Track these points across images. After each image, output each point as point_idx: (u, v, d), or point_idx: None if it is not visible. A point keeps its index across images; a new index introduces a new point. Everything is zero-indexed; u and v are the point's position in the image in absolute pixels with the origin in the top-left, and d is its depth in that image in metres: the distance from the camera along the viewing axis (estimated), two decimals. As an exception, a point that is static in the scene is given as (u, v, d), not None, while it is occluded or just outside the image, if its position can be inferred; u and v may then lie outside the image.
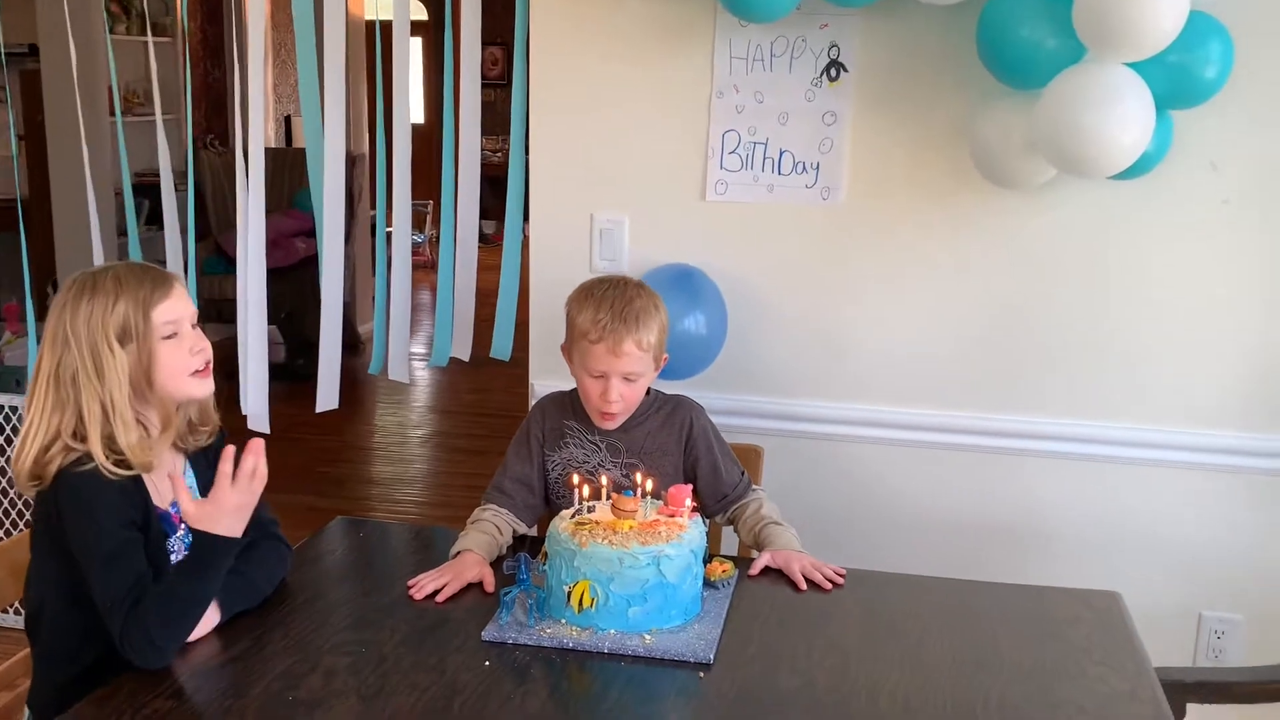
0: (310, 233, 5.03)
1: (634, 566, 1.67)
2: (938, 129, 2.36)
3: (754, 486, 2.14)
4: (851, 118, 2.40)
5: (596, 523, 1.72)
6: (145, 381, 1.62)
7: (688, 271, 2.45)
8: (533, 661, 1.63)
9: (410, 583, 1.83)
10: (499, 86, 6.72)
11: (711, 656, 1.63)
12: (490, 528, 1.99)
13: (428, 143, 9.76)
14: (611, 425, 2.05)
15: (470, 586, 1.84)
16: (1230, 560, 2.41)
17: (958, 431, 2.48)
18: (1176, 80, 1.99)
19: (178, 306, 1.65)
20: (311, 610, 1.76)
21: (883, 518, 2.53)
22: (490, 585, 1.84)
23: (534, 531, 2.13)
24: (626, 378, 1.99)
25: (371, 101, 6.67)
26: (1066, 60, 2.01)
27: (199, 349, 1.67)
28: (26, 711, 1.69)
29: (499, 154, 9.71)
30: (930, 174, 2.39)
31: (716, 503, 2.10)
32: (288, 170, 6.22)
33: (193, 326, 1.68)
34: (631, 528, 1.71)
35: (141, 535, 1.60)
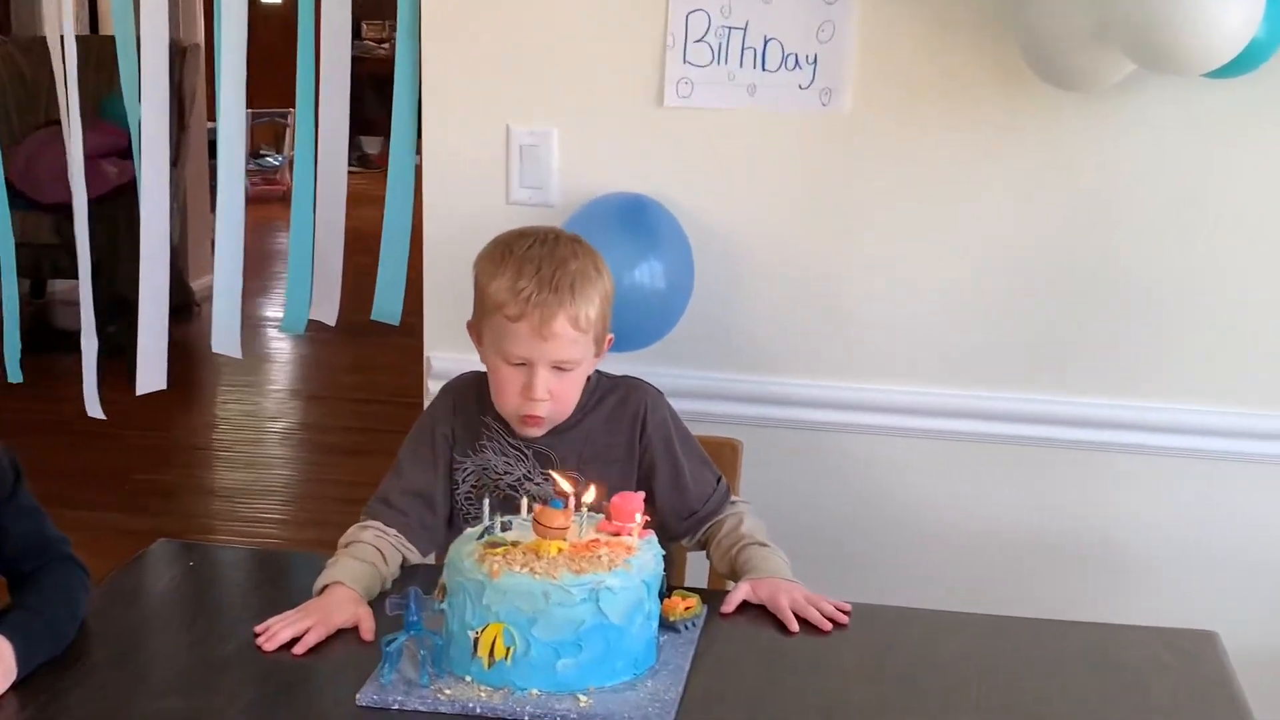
0: (124, 152, 4.96)
1: (564, 604, 1.66)
2: (975, 13, 2.39)
3: (734, 498, 2.15)
4: None
5: (513, 545, 1.71)
6: None
7: (640, 204, 2.46)
8: None
9: (259, 629, 1.82)
10: (383, -47, 6.67)
11: None
12: (370, 553, 1.98)
13: (288, 29, 9.68)
14: (536, 432, 2.06)
15: (341, 633, 1.83)
16: None
17: (995, 419, 2.53)
18: None
19: None
20: (123, 668, 1.74)
21: (897, 533, 2.58)
22: (368, 631, 1.83)
23: (431, 560, 2.14)
24: (558, 367, 1.99)
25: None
26: None
27: None
28: None
29: (386, 45, 9.63)
30: (965, 71, 2.42)
31: (683, 520, 2.12)
32: (92, 67, 6.13)
33: None
34: (561, 551, 1.70)
35: None
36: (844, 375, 2.55)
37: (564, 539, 1.72)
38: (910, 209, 2.49)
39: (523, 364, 1.99)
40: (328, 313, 2.82)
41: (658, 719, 1.64)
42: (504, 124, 2.56)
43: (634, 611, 1.71)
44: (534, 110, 2.55)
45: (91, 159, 5.85)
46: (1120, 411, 2.48)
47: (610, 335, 2.09)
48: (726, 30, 2.46)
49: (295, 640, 1.79)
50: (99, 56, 5.91)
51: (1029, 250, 2.48)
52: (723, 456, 2.29)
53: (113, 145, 5.77)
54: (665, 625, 1.81)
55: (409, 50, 2.67)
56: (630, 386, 2.15)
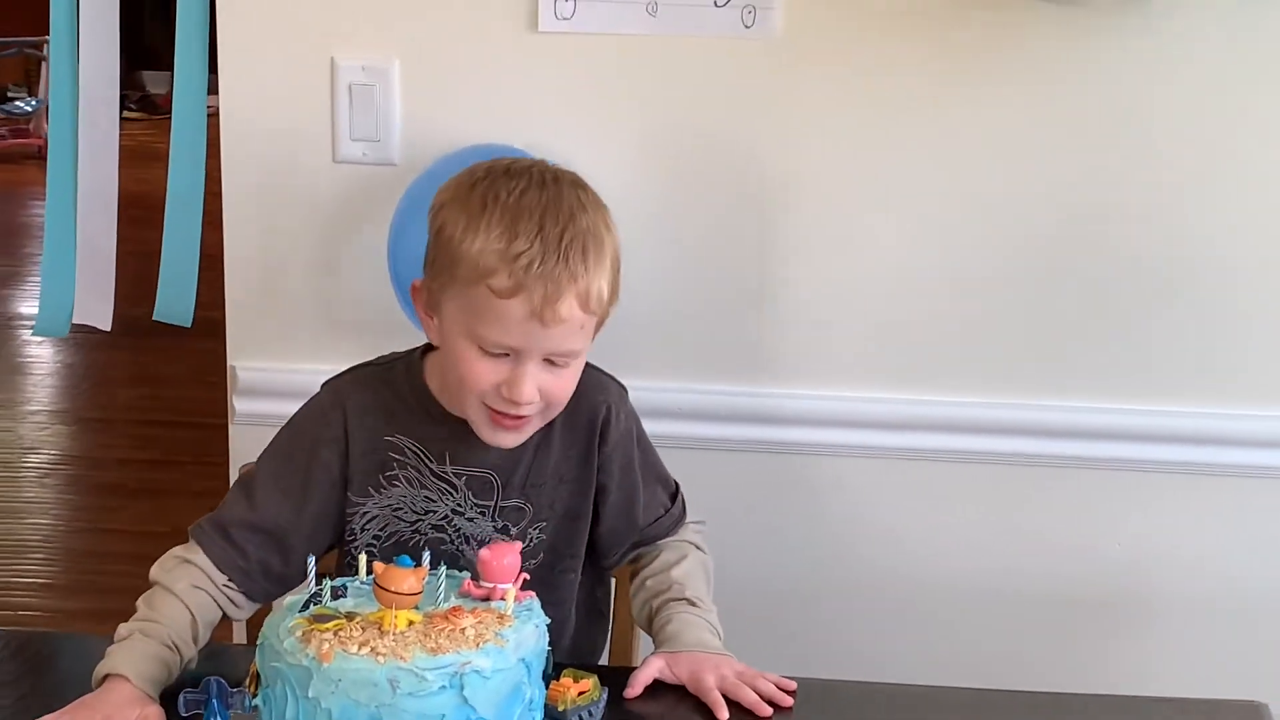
0: None
1: (418, 693, 1.65)
2: None
3: (690, 522, 2.22)
4: None
5: (348, 618, 1.72)
6: None
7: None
8: None
9: None
10: None
11: None
12: (173, 623, 1.97)
13: None
14: (514, 440, 2.04)
15: None
16: None
17: (975, 431, 2.62)
18: None
19: None
20: None
21: (857, 580, 2.64)
22: None
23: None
24: (552, 360, 1.97)
25: None
26: None
27: None
28: None
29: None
30: None
31: (621, 547, 2.18)
32: None
33: None
34: (412, 624, 1.71)
35: None
36: (776, 379, 2.64)
37: (415, 608, 1.72)
38: (855, 157, 2.57)
39: (507, 355, 1.95)
40: (99, 313, 2.84)
41: None
42: (328, 56, 2.59)
43: (510, 701, 1.72)
44: (368, 38, 2.59)
45: None
46: (1129, 418, 2.59)
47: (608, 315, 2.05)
48: None
49: None
50: None
51: (1007, 215, 2.57)
52: None
53: None
54: (553, 717, 1.82)
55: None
56: (589, 382, 2.12)
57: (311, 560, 1.85)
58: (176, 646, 1.94)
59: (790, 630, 2.38)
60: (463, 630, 1.70)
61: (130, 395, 5.68)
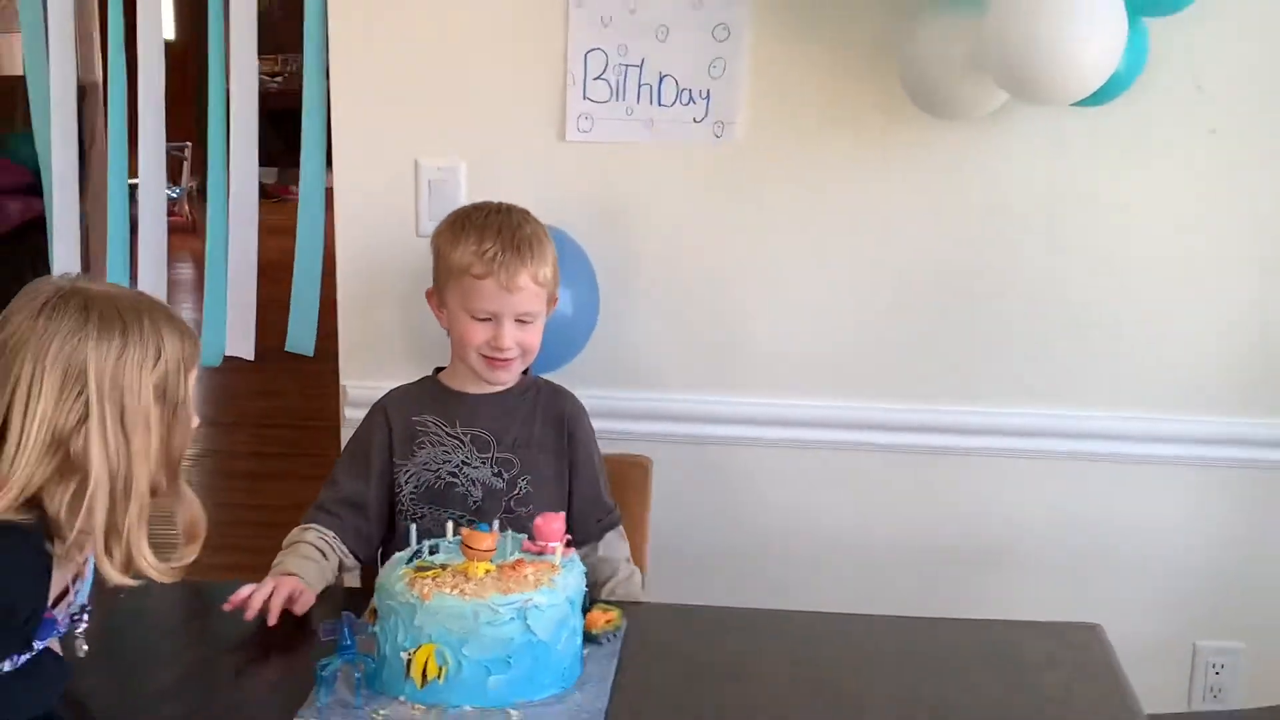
0: (28, 189, 4.90)
1: (494, 623, 1.67)
2: (859, 47, 2.45)
3: (619, 526, 2.22)
4: (750, 32, 2.47)
5: (442, 568, 1.73)
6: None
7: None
8: None
9: (231, 600, 1.91)
10: (278, -11, 6.61)
11: None
12: (313, 551, 2.06)
13: (180, 66, 9.47)
14: (506, 378, 2.19)
15: (275, 657, 1.86)
16: (1228, 573, 2.59)
17: (893, 429, 2.59)
18: None
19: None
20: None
21: (805, 542, 2.63)
22: (304, 605, 1.94)
23: (358, 584, 2.22)
24: (520, 319, 2.12)
25: (103, 12, 6.48)
26: None
27: None
28: None
29: (280, 78, 9.53)
30: (850, 104, 2.49)
31: (583, 530, 2.16)
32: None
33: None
34: (489, 572, 1.72)
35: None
36: (745, 391, 2.60)
37: (490, 561, 1.74)
38: (802, 232, 2.55)
39: (489, 319, 2.11)
40: (245, 348, 2.83)
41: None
42: (413, 159, 2.58)
43: (560, 628, 1.73)
44: (442, 145, 2.57)
45: (-2, 197, 5.86)
46: (1008, 418, 2.56)
47: (556, 296, 2.21)
48: (624, 68, 2.50)
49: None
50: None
51: (920, 268, 2.54)
52: (633, 475, 2.35)
53: (15, 182, 5.69)
54: (588, 638, 1.83)
55: (317, 85, 2.67)
56: (559, 390, 2.25)
57: (413, 527, 1.87)
58: (321, 561, 2.07)
59: (753, 576, 2.38)
60: (525, 576, 1.73)
61: (262, 406, 5.60)
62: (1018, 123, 2.43)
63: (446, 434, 2.17)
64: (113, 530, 1.56)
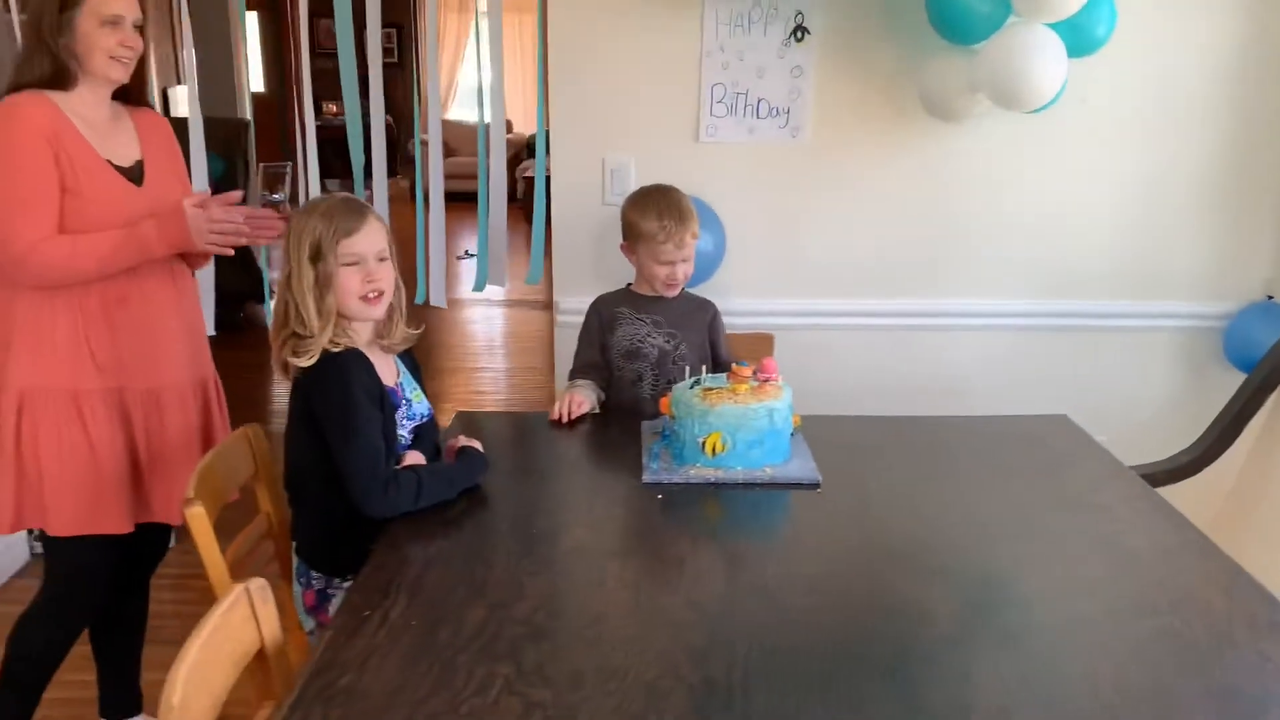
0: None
1: (753, 418, 1.88)
2: (885, 78, 2.62)
3: None
4: (815, 71, 2.61)
5: (722, 389, 1.92)
6: (323, 296, 1.71)
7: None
8: (689, 494, 1.81)
9: (552, 416, 2.08)
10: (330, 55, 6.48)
11: (820, 478, 1.88)
12: (586, 385, 2.22)
13: (270, 109, 9.31)
14: (675, 291, 2.26)
15: (610, 463, 1.99)
16: (1098, 388, 2.82)
17: (893, 316, 2.75)
18: (1079, 36, 2.34)
19: (362, 242, 1.72)
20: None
21: (846, 380, 2.76)
22: (587, 406, 2.11)
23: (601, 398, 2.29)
24: (685, 259, 2.23)
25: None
26: (997, 21, 2.33)
27: (371, 279, 1.74)
28: (295, 559, 1.81)
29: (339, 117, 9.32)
30: (880, 113, 2.64)
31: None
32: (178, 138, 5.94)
33: (380, 261, 1.74)
34: (748, 389, 1.92)
35: (379, 412, 1.70)
36: (808, 294, 2.73)
37: (747, 383, 1.94)
38: (847, 196, 2.67)
39: (669, 262, 2.21)
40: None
41: (813, 475, 1.89)
42: (600, 156, 2.65)
43: (786, 422, 1.93)
44: (619, 147, 2.64)
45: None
46: (962, 304, 2.72)
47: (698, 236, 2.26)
48: (735, 95, 2.62)
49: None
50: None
51: (913, 214, 2.70)
52: (762, 342, 2.53)
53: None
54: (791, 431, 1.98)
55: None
56: (704, 300, 2.35)
57: (687, 368, 2.02)
58: (594, 390, 2.22)
59: (843, 406, 2.34)
60: (768, 391, 1.90)
61: (503, 327, 5.39)
62: (992, 123, 2.59)
63: (636, 319, 2.24)
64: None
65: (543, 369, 4.09)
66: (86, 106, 1.85)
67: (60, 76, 1.82)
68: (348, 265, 1.70)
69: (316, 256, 1.68)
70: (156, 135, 1.98)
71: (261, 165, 6.82)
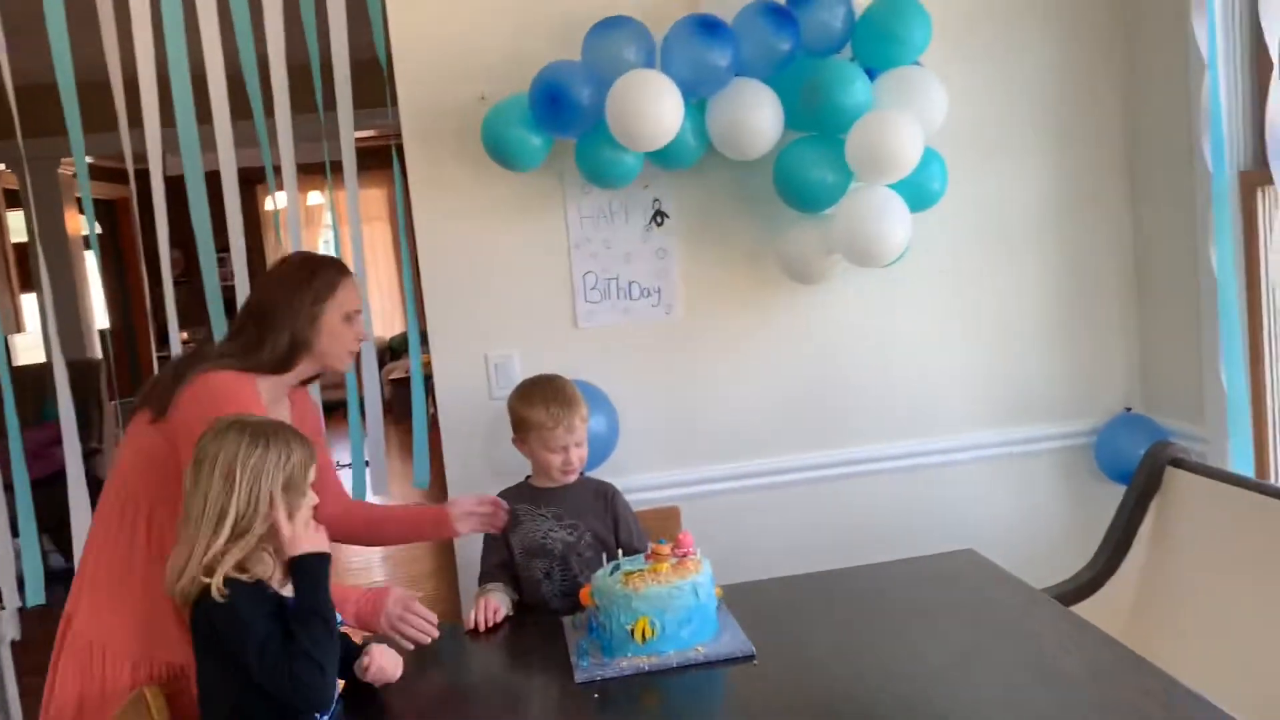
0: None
1: (679, 596, 1.86)
2: (744, 250, 2.71)
3: None
4: (678, 251, 2.69)
5: (643, 571, 1.90)
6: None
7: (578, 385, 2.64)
8: (626, 686, 1.78)
9: (468, 628, 2.02)
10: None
11: (753, 649, 1.85)
12: (497, 587, 2.18)
13: (119, 342, 9.00)
14: (573, 478, 2.25)
15: (538, 661, 1.93)
16: (991, 516, 2.88)
17: (796, 470, 2.77)
18: (917, 193, 2.51)
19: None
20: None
21: (764, 539, 2.76)
22: (500, 613, 2.08)
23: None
24: (579, 443, 2.23)
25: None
26: (841, 188, 2.47)
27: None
28: None
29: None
30: (745, 282, 2.73)
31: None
32: (29, 386, 5.74)
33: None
34: (668, 568, 1.90)
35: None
36: (704, 461, 2.74)
37: (667, 561, 1.92)
38: (721, 362, 2.73)
39: (562, 449, 2.20)
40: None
41: (746, 648, 1.85)
42: (483, 352, 2.66)
43: (709, 595, 1.92)
44: (502, 341, 2.66)
45: (45, 448, 5.50)
46: (857, 451, 2.77)
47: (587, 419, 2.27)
48: (607, 280, 2.68)
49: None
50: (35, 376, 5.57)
51: (789, 373, 2.75)
52: (669, 515, 2.52)
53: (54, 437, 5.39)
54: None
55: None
56: (603, 483, 2.31)
57: (604, 555, 1.99)
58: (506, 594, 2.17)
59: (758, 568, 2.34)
60: (688, 567, 1.89)
61: None
62: (848, 278, 2.69)
63: (537, 514, 2.21)
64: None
65: (444, 572, 3.93)
66: (265, 387, 1.87)
67: (283, 364, 1.85)
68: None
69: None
70: (310, 418, 2.01)
71: (115, 404, 6.55)
